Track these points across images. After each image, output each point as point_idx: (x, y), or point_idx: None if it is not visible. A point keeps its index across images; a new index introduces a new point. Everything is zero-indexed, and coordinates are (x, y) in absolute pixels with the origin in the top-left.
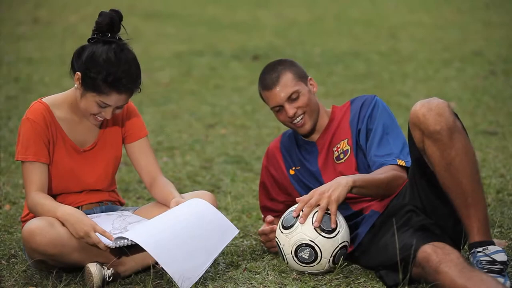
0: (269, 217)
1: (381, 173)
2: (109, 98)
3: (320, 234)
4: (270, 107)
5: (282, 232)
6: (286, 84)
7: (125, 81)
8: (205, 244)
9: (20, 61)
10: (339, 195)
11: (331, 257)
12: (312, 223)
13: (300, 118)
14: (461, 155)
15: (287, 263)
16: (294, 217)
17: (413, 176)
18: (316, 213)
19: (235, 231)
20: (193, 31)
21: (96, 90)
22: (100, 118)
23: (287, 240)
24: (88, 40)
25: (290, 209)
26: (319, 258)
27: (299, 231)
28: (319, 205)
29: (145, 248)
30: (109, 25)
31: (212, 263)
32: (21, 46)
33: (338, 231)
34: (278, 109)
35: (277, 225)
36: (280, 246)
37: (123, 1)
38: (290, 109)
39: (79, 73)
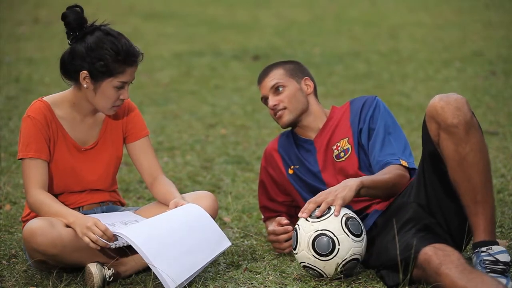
0: (285, 220)
1: (387, 173)
2: (125, 75)
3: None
4: (260, 99)
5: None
6: (274, 77)
7: (132, 52)
8: (195, 249)
9: (20, 61)
10: (346, 195)
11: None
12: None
13: (280, 111)
14: (475, 151)
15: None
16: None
17: (422, 171)
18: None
19: (227, 243)
20: (193, 31)
21: (112, 73)
22: (119, 105)
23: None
24: (71, 41)
25: None
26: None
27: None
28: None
29: (133, 245)
30: (77, 19)
31: (211, 264)
32: (21, 46)
33: (327, 215)
34: (265, 101)
35: (290, 226)
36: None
37: (123, 1)
38: (271, 100)
39: (84, 71)
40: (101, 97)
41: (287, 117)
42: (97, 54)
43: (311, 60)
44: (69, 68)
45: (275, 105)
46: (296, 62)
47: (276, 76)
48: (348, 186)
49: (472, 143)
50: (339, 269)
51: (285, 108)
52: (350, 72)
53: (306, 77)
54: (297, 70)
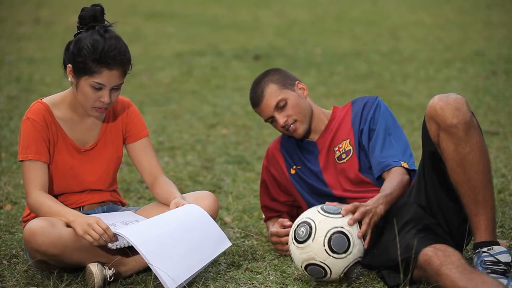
0: (288, 222)
1: (394, 181)
2: (101, 76)
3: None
4: (264, 120)
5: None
6: (271, 95)
7: (113, 54)
8: (196, 250)
9: (21, 61)
10: (379, 212)
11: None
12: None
13: (292, 125)
14: (475, 151)
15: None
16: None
17: (422, 172)
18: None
19: (227, 244)
20: (194, 31)
21: (88, 71)
22: (100, 108)
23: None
24: (75, 35)
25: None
26: (328, 275)
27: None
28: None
29: (134, 245)
30: (92, 17)
31: (211, 264)
32: (22, 46)
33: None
34: (271, 120)
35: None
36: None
37: (123, 1)
38: (280, 118)
39: (70, 65)
40: (81, 94)
41: (301, 128)
42: (80, 50)
43: (312, 60)
44: (64, 61)
45: (285, 121)
46: (276, 70)
47: (273, 94)
48: (376, 214)
49: (472, 143)
50: (326, 244)
51: (296, 121)
52: (351, 72)
53: (297, 81)
54: (285, 77)
